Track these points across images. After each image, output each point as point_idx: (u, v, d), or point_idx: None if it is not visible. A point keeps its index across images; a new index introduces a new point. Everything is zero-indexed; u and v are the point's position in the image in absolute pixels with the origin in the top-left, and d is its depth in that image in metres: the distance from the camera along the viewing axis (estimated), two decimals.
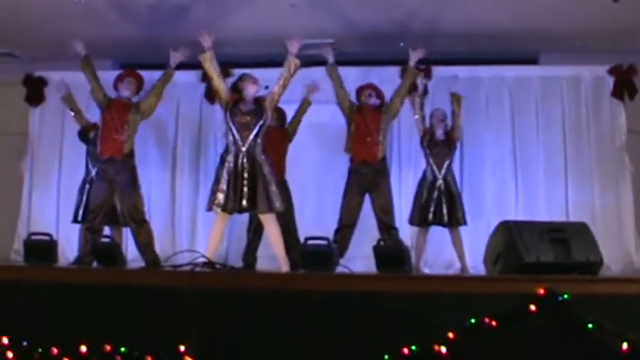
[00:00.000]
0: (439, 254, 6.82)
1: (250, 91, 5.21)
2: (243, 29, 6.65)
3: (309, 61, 5.67)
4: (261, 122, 5.15)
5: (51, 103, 7.61)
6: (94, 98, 5.75)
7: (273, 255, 5.25)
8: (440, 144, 6.30)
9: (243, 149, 5.11)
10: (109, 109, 5.62)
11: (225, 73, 5.43)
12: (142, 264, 5.59)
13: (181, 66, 5.93)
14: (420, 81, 6.43)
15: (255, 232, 6.12)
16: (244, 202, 5.04)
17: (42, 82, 7.60)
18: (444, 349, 3.45)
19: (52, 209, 7.56)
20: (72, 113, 6.54)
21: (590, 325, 3.44)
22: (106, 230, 6.05)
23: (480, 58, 7.45)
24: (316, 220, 6.76)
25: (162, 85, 5.76)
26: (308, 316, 3.72)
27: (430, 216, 6.18)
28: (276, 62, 5.37)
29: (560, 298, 3.51)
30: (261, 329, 3.72)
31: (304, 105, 6.36)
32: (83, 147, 6.63)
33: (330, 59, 6.02)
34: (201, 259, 4.78)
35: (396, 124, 6.94)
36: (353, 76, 6.52)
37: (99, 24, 6.55)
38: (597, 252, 4.49)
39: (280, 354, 3.69)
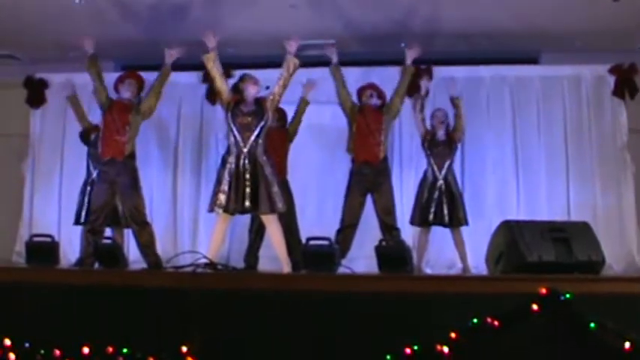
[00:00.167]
0: (441, 254, 6.82)
1: (251, 91, 5.21)
2: (244, 30, 6.65)
3: (308, 61, 5.68)
4: (262, 123, 5.15)
5: (52, 105, 7.61)
6: (96, 98, 5.74)
7: (274, 256, 5.24)
8: (441, 144, 6.29)
9: (245, 150, 5.11)
10: (111, 111, 5.61)
11: (226, 73, 5.43)
12: (144, 265, 5.59)
13: (182, 67, 5.93)
14: (423, 83, 6.39)
15: (257, 232, 6.12)
16: (246, 203, 5.03)
17: (43, 84, 7.59)
18: (446, 349, 3.45)
19: (54, 211, 7.56)
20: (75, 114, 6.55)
21: (592, 325, 3.44)
22: (108, 232, 6.05)
23: (481, 58, 7.44)
24: (318, 220, 6.76)
25: (161, 84, 5.74)
26: (310, 317, 3.72)
27: (431, 216, 6.17)
28: (277, 63, 5.36)
29: (563, 298, 3.52)
30: (263, 330, 3.73)
31: (303, 104, 6.36)
32: (84, 149, 6.63)
33: (334, 59, 6.02)
34: (203, 260, 4.78)
35: (397, 124, 6.94)
36: (354, 77, 6.51)
37: (100, 25, 6.55)
38: (599, 251, 4.49)
39: (282, 354, 3.70)
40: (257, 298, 3.83)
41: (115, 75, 6.15)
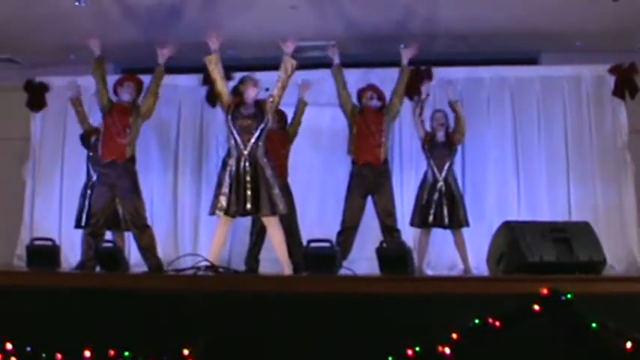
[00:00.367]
0: (442, 255, 6.82)
1: (251, 94, 5.21)
2: (244, 31, 6.65)
3: (309, 63, 5.67)
4: (262, 125, 5.15)
5: (52, 109, 7.62)
6: (97, 100, 5.72)
7: (275, 258, 5.24)
8: (440, 145, 6.28)
9: (245, 153, 5.11)
10: (111, 113, 5.61)
11: (226, 76, 5.42)
12: (145, 268, 5.58)
13: (182, 70, 5.92)
14: (424, 88, 6.36)
15: (258, 235, 6.11)
16: (248, 206, 5.03)
17: (43, 88, 7.59)
18: (447, 350, 3.45)
19: (55, 214, 7.57)
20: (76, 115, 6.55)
21: (593, 325, 3.44)
22: (109, 235, 6.05)
23: (481, 59, 7.45)
24: (318, 222, 6.76)
25: (156, 85, 5.72)
26: (311, 319, 3.72)
27: (430, 218, 6.15)
28: (277, 65, 5.36)
29: (564, 298, 3.51)
30: (265, 332, 3.73)
31: (301, 105, 6.34)
32: (85, 152, 6.63)
33: (336, 60, 5.98)
34: (204, 263, 4.79)
35: (397, 125, 6.93)
36: (354, 78, 6.50)
37: (100, 28, 6.53)
38: (600, 251, 4.49)
39: (284, 356, 3.70)
40: (258, 300, 3.83)
41: (115, 77, 6.16)
